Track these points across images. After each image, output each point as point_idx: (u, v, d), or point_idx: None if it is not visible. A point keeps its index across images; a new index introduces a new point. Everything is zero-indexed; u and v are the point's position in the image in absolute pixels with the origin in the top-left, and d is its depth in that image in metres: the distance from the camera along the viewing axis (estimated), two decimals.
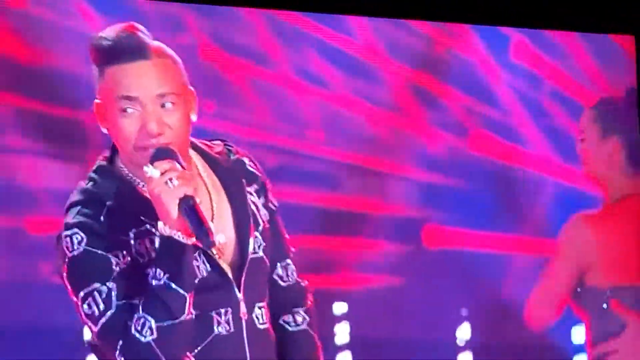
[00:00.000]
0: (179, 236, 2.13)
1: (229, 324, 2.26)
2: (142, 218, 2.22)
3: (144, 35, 2.24)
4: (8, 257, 4.37)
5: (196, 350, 2.24)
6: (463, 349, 5.07)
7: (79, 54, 4.37)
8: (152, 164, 2.15)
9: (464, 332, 5.06)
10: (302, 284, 2.49)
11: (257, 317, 2.32)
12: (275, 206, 2.45)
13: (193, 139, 2.35)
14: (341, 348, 4.88)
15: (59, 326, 4.32)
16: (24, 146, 4.44)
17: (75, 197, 2.26)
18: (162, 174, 2.12)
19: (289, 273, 2.46)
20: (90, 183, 2.27)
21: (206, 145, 2.40)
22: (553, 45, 5.12)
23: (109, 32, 2.23)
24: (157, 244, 2.19)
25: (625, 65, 5.20)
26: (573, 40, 5.13)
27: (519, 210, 5.19)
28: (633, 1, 4.98)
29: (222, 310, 2.26)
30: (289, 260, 2.46)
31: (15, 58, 4.44)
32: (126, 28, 2.23)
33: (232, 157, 2.41)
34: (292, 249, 2.49)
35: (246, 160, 2.43)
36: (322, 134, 4.87)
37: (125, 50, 2.20)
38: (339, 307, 4.87)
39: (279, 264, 2.44)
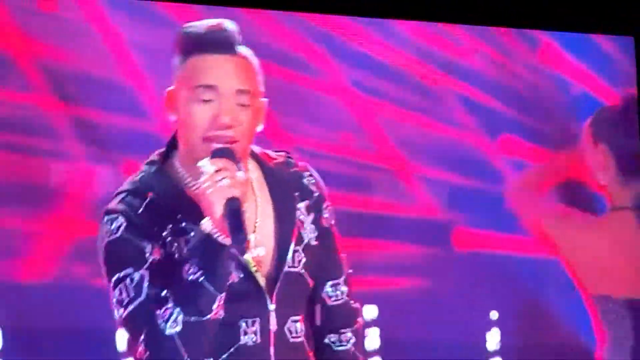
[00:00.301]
0: (218, 236, 2.15)
1: (255, 335, 2.27)
2: (180, 216, 2.25)
3: (235, 34, 2.28)
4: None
5: (220, 359, 2.25)
6: (493, 353, 5.06)
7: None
8: (210, 159, 2.17)
9: (493, 336, 5.05)
10: (353, 305, 2.48)
11: (289, 331, 2.31)
12: (331, 224, 2.45)
13: (254, 147, 2.37)
14: (370, 354, 4.87)
15: (93, 328, 4.35)
16: (56, 149, 4.48)
17: (123, 186, 2.31)
18: (216, 171, 2.15)
19: (339, 293, 2.45)
20: (140, 175, 2.31)
21: (266, 155, 2.42)
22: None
23: (201, 24, 2.28)
24: (192, 242, 2.21)
25: (625, 66, 5.20)
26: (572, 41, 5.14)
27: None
28: (632, 2, 4.97)
29: (250, 320, 2.27)
30: (340, 280, 2.45)
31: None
32: (219, 23, 2.28)
33: (290, 170, 2.42)
34: (349, 270, 2.48)
35: (305, 174, 2.43)
36: (351, 136, 4.88)
37: (213, 42, 2.25)
38: (369, 311, 4.86)
39: (328, 283, 2.43)
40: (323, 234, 2.42)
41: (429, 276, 4.95)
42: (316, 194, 2.43)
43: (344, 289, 2.45)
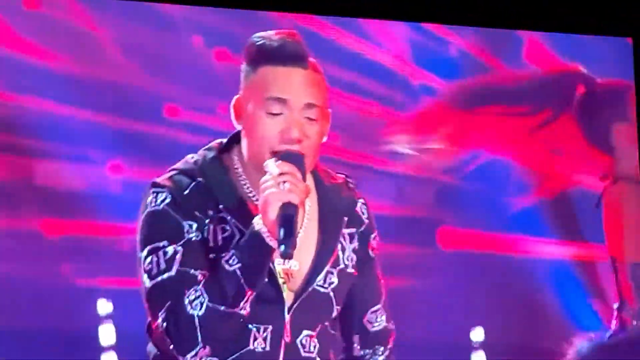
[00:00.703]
0: (267, 236, 2.15)
1: (265, 342, 2.27)
2: (222, 206, 2.25)
3: (305, 46, 2.28)
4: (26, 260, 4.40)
5: None
6: (476, 350, 5.06)
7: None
8: (276, 162, 2.17)
9: (477, 334, 5.06)
10: (390, 327, 2.50)
11: (302, 345, 2.31)
12: (374, 254, 2.46)
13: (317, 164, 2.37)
14: None
15: (75, 329, 4.34)
16: (39, 148, 4.46)
17: (177, 165, 2.32)
18: (280, 174, 2.15)
19: (379, 318, 2.47)
20: (195, 159, 2.32)
21: (325, 172, 2.42)
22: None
23: (274, 34, 2.27)
24: (226, 234, 2.23)
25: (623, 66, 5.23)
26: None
27: (536, 212, 5.19)
28: (631, 3, 4.99)
29: (262, 327, 2.26)
30: (379, 306, 2.46)
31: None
32: (291, 34, 2.27)
33: (345, 194, 2.41)
34: (384, 298, 2.50)
35: (359, 202, 2.44)
36: (338, 137, 4.88)
37: (286, 54, 2.24)
38: None
39: (370, 310, 2.45)
40: (368, 262, 2.43)
41: (413, 275, 4.95)
42: (366, 223, 2.44)
43: (384, 314, 2.48)
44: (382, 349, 2.48)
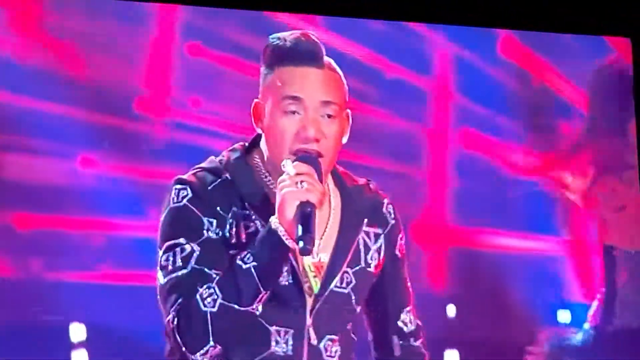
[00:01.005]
0: (283, 235, 2.15)
1: (286, 345, 2.27)
2: (247, 204, 2.26)
3: (321, 45, 2.29)
4: None
5: None
6: (450, 346, 5.08)
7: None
8: (293, 162, 2.18)
9: (450, 329, 5.08)
10: (420, 324, 2.53)
11: (325, 349, 2.32)
12: (401, 255, 2.47)
13: (337, 166, 2.38)
14: None
15: (46, 324, 4.33)
16: (10, 142, 4.45)
17: (203, 163, 2.33)
18: (297, 174, 2.15)
19: (412, 319, 2.49)
20: (220, 158, 2.34)
21: (347, 174, 2.43)
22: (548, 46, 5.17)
23: (288, 35, 2.28)
24: (250, 231, 2.24)
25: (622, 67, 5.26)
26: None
27: (505, 205, 5.21)
28: (629, 4, 5.02)
29: (283, 330, 2.27)
30: (410, 307, 2.49)
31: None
32: (305, 34, 2.28)
33: (368, 195, 2.42)
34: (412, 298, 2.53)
35: (385, 202, 2.45)
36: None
37: (301, 54, 2.26)
38: None
39: (403, 311, 2.48)
40: (395, 263, 2.45)
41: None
42: (392, 223, 2.44)
43: (412, 312, 2.50)
44: (416, 341, 2.49)
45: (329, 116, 2.25)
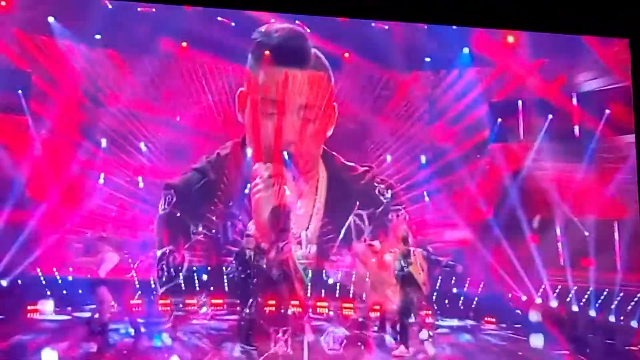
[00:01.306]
0: (257, 239, 1.96)
1: (286, 344, 2.10)
2: (232, 203, 2.06)
3: (308, 45, 2.09)
4: None
5: None
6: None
7: None
8: (265, 163, 1.99)
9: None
10: None
11: (326, 342, 2.14)
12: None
13: (334, 153, 2.20)
14: None
15: None
16: None
17: (196, 163, 2.16)
18: (269, 176, 1.95)
19: None
20: (212, 157, 2.14)
21: (343, 164, 2.26)
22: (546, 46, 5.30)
23: (275, 32, 2.08)
24: (237, 229, 2.05)
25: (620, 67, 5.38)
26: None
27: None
28: (628, 5, 5.04)
29: (281, 329, 2.10)
30: None
31: None
32: (293, 31, 2.08)
33: (363, 181, 2.25)
34: None
35: (379, 186, 2.28)
36: None
37: (285, 54, 2.09)
38: None
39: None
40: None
41: None
42: (384, 203, 2.28)
43: None
44: None
45: (308, 119, 2.06)
